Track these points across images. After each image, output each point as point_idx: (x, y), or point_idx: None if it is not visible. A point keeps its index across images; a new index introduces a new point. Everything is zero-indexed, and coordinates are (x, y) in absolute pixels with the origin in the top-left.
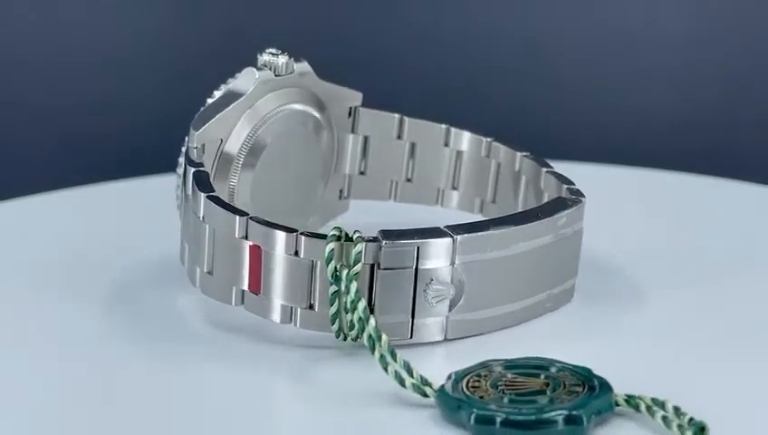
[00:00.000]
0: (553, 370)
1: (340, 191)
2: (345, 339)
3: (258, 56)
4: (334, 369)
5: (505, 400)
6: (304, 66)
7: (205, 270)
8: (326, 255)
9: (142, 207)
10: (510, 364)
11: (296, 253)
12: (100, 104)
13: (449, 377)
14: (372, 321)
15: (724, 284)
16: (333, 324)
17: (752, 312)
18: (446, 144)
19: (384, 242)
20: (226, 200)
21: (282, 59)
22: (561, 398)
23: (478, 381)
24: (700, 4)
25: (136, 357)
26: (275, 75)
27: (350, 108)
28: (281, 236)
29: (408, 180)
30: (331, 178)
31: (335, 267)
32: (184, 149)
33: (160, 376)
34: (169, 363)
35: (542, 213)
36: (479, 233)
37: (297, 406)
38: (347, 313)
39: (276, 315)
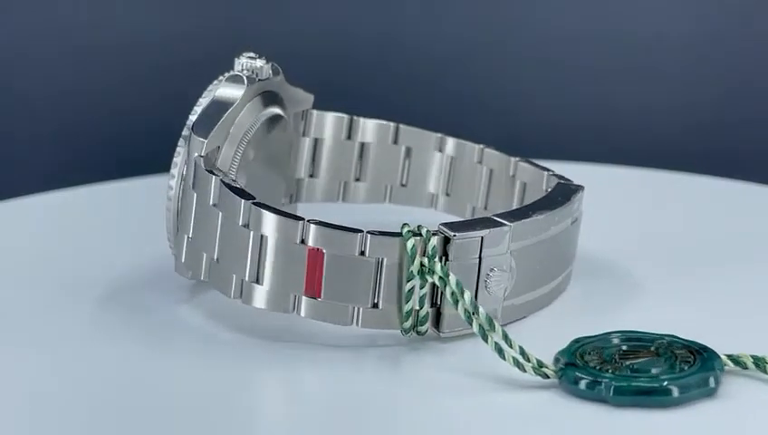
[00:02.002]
0: (662, 340)
1: (291, 196)
2: (409, 334)
3: (236, 60)
4: (421, 361)
5: (631, 370)
6: (277, 69)
7: (247, 279)
8: (409, 251)
9: (141, 208)
10: (622, 337)
11: (362, 253)
12: (101, 103)
13: (557, 359)
14: (481, 309)
15: (724, 282)
16: (407, 321)
17: (754, 307)
18: (395, 142)
19: (454, 235)
20: None
21: (260, 63)
22: (681, 365)
23: (592, 357)
24: (701, 5)
25: (160, 362)
26: (258, 80)
27: (303, 111)
28: (347, 237)
29: (357, 180)
30: (290, 181)
31: (420, 263)
32: (178, 159)
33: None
34: (238, 369)
35: (561, 198)
36: (525, 220)
37: (417, 397)
38: (421, 307)
39: (341, 319)
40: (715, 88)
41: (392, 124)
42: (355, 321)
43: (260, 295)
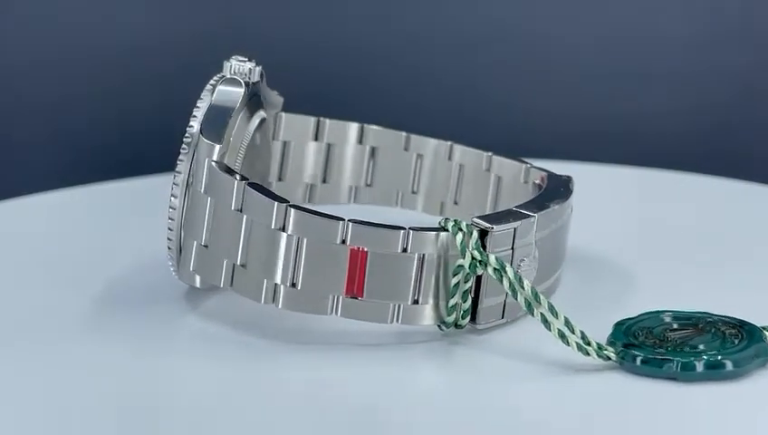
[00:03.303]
0: (707, 318)
1: None
2: (449, 328)
3: (225, 63)
4: (470, 352)
5: (689, 347)
6: (262, 73)
7: (279, 282)
8: (459, 245)
9: (141, 208)
10: (675, 315)
11: (405, 250)
12: (101, 103)
13: (612, 341)
14: (542, 297)
15: (724, 281)
16: (450, 315)
17: (756, 306)
18: (360, 142)
19: (492, 227)
20: None
21: (249, 65)
22: (732, 339)
23: (644, 337)
24: (701, 6)
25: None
26: (252, 83)
27: (275, 114)
28: (390, 234)
29: (324, 181)
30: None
31: (472, 256)
32: (182, 167)
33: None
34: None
35: (563, 188)
36: (547, 210)
37: (484, 386)
38: (465, 301)
39: (380, 317)
40: (715, 89)
41: (357, 124)
42: (395, 318)
43: (295, 299)
